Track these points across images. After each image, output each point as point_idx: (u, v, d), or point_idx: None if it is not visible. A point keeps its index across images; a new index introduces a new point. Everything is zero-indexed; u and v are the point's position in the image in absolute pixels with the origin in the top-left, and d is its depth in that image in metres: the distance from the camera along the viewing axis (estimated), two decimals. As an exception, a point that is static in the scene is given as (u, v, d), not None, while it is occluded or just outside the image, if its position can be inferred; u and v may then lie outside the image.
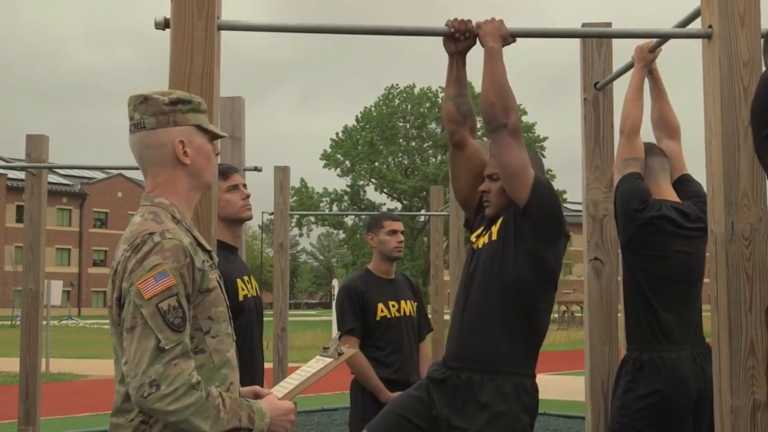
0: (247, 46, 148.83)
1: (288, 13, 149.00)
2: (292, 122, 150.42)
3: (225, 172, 3.84)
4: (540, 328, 3.37)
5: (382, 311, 4.73)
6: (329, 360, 2.55)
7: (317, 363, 2.54)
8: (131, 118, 2.26)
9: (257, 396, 2.36)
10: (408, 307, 4.83)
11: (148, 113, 2.24)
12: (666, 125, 4.03)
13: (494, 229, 3.38)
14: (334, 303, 5.06)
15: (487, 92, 3.24)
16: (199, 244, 2.24)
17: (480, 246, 3.42)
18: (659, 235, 3.66)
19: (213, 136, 2.34)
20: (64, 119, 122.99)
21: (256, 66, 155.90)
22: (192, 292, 2.14)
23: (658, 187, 3.80)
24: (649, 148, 3.86)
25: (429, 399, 3.36)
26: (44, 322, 8.35)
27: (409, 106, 48.29)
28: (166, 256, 2.09)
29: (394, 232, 4.82)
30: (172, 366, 2.03)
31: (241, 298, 3.74)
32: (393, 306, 4.77)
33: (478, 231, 3.51)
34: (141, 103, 2.25)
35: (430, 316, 6.17)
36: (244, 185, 3.89)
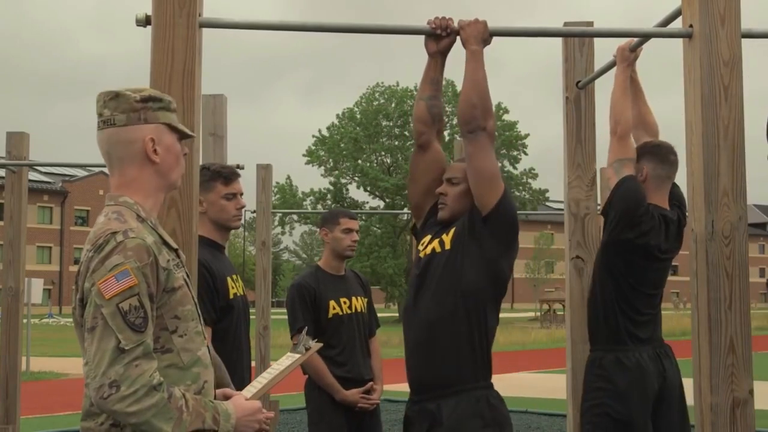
0: (238, 40, 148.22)
1: (298, 7, 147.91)
2: (290, 119, 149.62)
3: (228, 177, 3.83)
4: (490, 337, 3.23)
5: (334, 309, 4.66)
6: (297, 356, 2.56)
7: (286, 360, 2.55)
8: (100, 115, 2.23)
9: (226, 397, 2.34)
10: (359, 303, 4.78)
11: (118, 110, 2.21)
12: (644, 125, 4.05)
13: (446, 238, 3.25)
14: None
15: (468, 94, 3.17)
16: (165, 243, 2.22)
17: (429, 253, 3.29)
18: (648, 245, 3.69)
19: (182, 136, 2.31)
20: (47, 115, 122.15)
21: (246, 62, 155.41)
22: (156, 292, 2.11)
23: (657, 195, 3.81)
24: (664, 154, 3.84)
25: None
26: (24, 321, 8.30)
27: (393, 104, 48.26)
28: (128, 255, 2.06)
29: (349, 230, 4.74)
30: (133, 367, 2.00)
31: (231, 296, 3.74)
32: (344, 303, 4.71)
33: (426, 239, 3.37)
34: (111, 99, 2.22)
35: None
36: (241, 194, 3.89)
